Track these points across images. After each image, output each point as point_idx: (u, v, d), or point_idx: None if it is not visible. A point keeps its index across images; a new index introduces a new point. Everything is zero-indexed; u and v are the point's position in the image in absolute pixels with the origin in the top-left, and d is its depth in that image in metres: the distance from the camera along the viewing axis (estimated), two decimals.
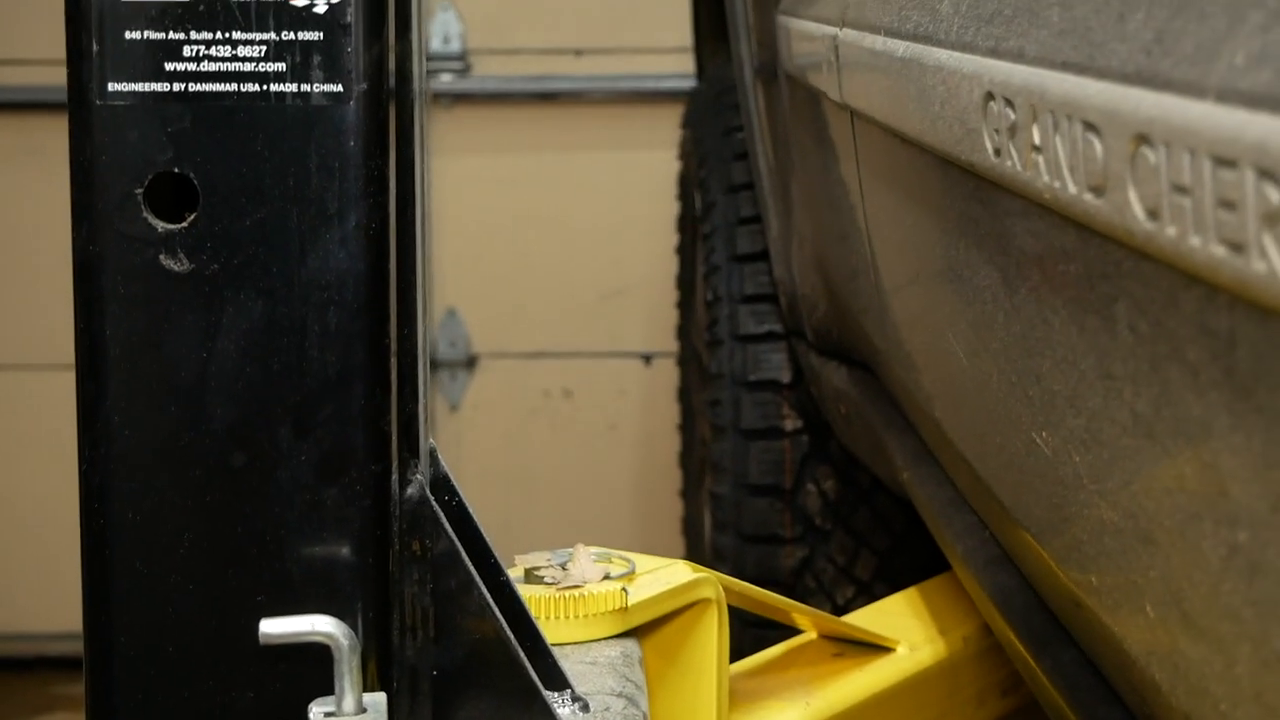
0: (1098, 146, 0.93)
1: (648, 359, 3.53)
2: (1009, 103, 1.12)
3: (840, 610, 2.45)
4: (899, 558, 2.39)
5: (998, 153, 1.14)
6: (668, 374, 3.47)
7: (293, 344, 1.13)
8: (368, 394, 1.15)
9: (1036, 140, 1.05)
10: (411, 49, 1.20)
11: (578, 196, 3.47)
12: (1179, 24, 0.86)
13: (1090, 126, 0.94)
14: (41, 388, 3.55)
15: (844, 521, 2.45)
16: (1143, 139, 0.86)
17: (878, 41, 1.58)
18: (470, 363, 3.70)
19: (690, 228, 2.97)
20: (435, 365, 3.66)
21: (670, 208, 3.20)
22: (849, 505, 2.46)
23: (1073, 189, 0.98)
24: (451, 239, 3.32)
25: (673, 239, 3.22)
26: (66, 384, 3.11)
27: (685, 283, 3.09)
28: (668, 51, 3.29)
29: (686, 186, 3.01)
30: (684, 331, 3.05)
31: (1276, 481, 0.80)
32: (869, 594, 2.45)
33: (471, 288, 3.58)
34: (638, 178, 3.39)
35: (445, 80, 3.64)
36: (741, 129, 2.67)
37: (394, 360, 1.18)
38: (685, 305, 3.06)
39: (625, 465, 3.61)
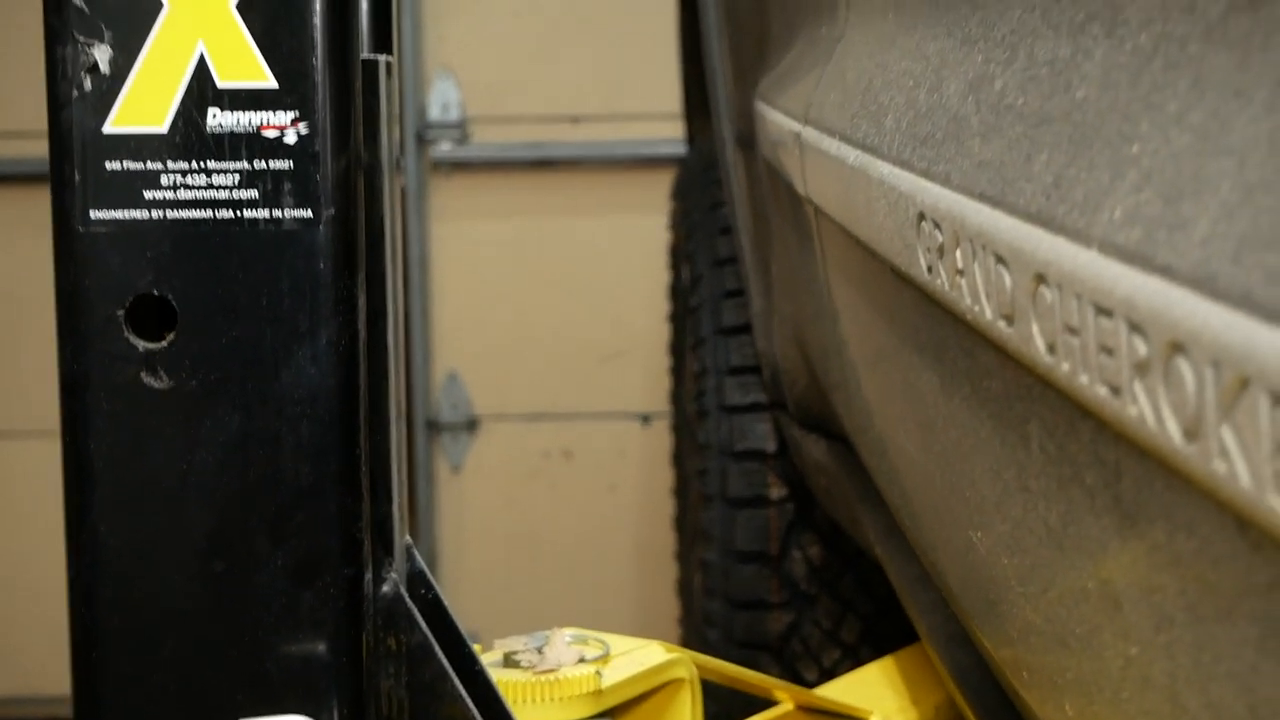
0: (1006, 279, 0.97)
1: (646, 419, 3.55)
2: (937, 225, 1.15)
3: (827, 674, 2.46)
4: (883, 622, 2.38)
5: (930, 270, 1.17)
6: (666, 434, 3.47)
7: (268, 455, 1.16)
8: (340, 501, 1.18)
9: (960, 264, 1.08)
10: (381, 162, 1.23)
11: (576, 260, 3.50)
12: (1073, 171, 0.89)
13: (1000, 259, 0.98)
14: (51, 455, 3.56)
15: (829, 587, 2.46)
16: (1041, 278, 0.90)
17: (833, 145, 1.57)
18: (471, 425, 3.71)
19: (680, 298, 3.00)
20: (438, 428, 3.69)
21: (660, 265, 3.24)
22: (834, 571, 2.47)
23: (989, 314, 1.01)
24: (452, 303, 3.35)
25: (667, 301, 3.25)
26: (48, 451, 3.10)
27: (677, 351, 3.04)
28: (663, 118, 3.29)
29: (676, 258, 3.05)
30: (677, 398, 3.06)
31: (1158, 605, 0.85)
32: (855, 657, 2.46)
33: (472, 351, 3.61)
34: (635, 241, 3.41)
35: (444, 148, 3.64)
36: (717, 213, 2.74)
37: (365, 467, 1.20)
38: (677, 373, 3.06)
39: (624, 526, 3.62)
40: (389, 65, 1.25)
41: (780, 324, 2.27)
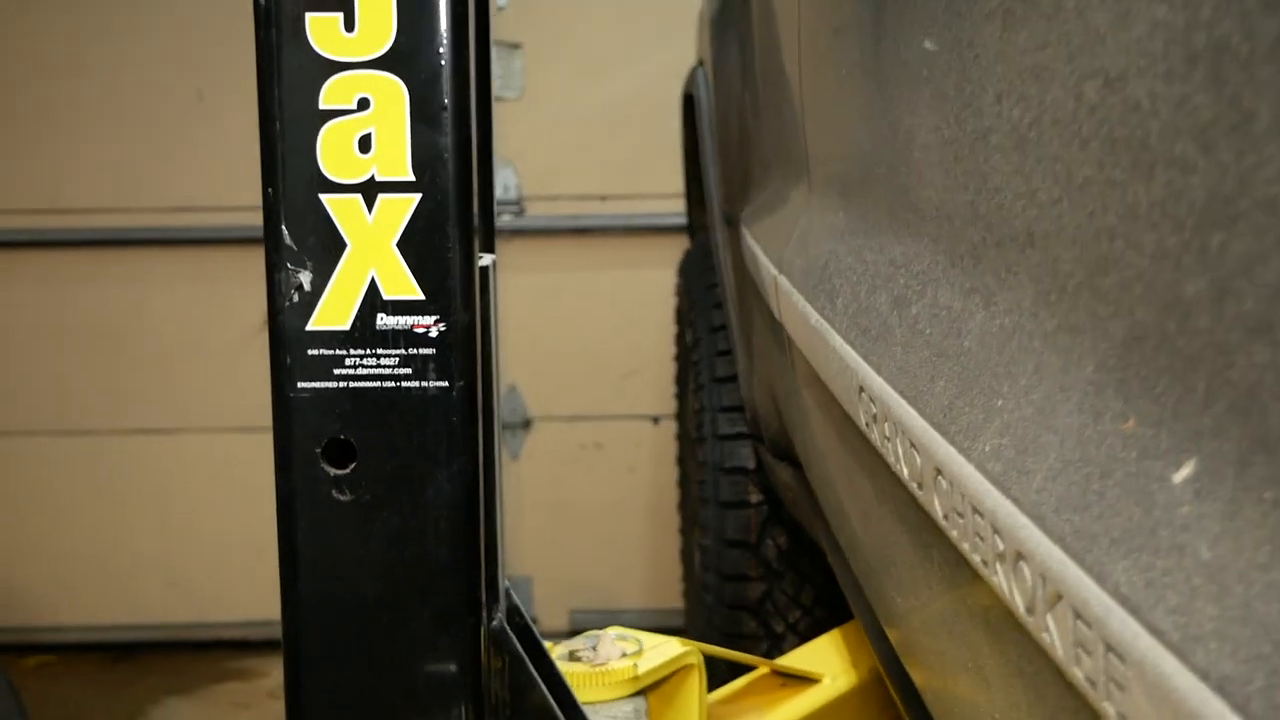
0: (917, 459, 1.03)
1: (656, 420, 3.60)
2: (872, 400, 1.19)
3: (790, 628, 2.51)
4: (832, 590, 2.34)
5: (867, 425, 1.22)
6: (670, 432, 3.48)
7: (418, 544, 1.22)
8: (466, 572, 1.23)
9: (887, 434, 1.14)
10: (491, 339, 1.27)
11: (604, 303, 3.54)
12: (960, 402, 0.95)
13: (914, 445, 1.04)
14: (209, 446, 3.65)
15: (792, 566, 2.47)
16: (939, 471, 0.96)
17: (800, 301, 1.59)
18: (526, 424, 3.70)
19: (685, 352, 2.95)
20: (501, 427, 3.75)
21: (670, 308, 3.22)
22: (796, 555, 2.47)
23: (906, 475, 1.08)
24: (512, 335, 3.38)
25: (672, 330, 3.22)
26: (223, 442, 3.15)
27: (681, 391, 3.07)
28: (669, 197, 3.32)
29: (681, 320, 3.00)
30: (682, 424, 3.03)
31: (982, 670, 0.96)
32: (811, 615, 2.49)
33: (527, 370, 3.60)
34: (647, 289, 3.45)
35: (505, 220, 3.62)
36: (715, 286, 2.69)
37: (482, 546, 1.25)
38: (682, 407, 3.08)
39: (640, 499, 3.66)
40: (494, 263, 1.28)
41: (759, 381, 2.29)
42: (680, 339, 3.01)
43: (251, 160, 3.30)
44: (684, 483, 3.06)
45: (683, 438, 3.08)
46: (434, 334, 1.18)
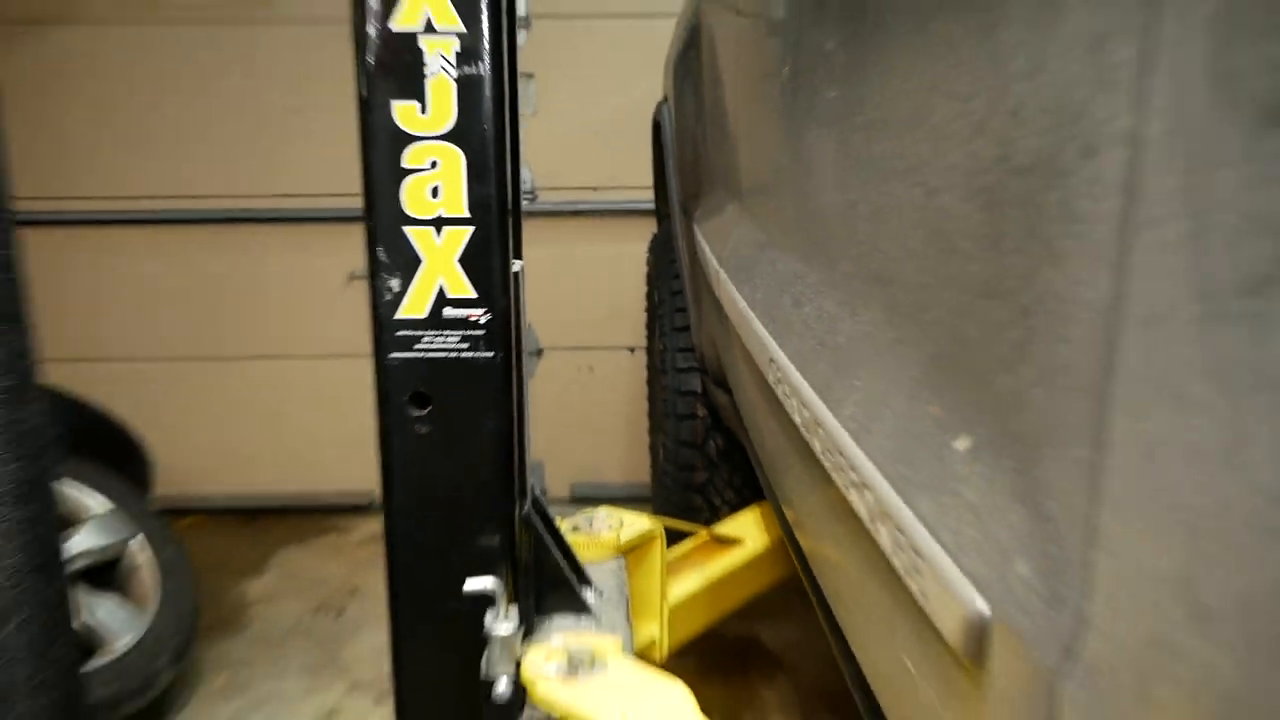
0: (807, 414, 1.05)
1: (632, 350, 3.55)
2: (777, 367, 1.20)
3: (727, 503, 2.47)
4: (752, 479, 2.41)
5: (775, 384, 1.23)
6: (642, 359, 3.47)
7: (473, 462, 1.25)
8: (506, 480, 1.27)
9: (787, 393, 1.15)
10: (522, 328, 1.33)
11: (595, 265, 3.46)
12: (834, 383, 0.99)
13: (804, 405, 1.06)
14: (321, 366, 3.72)
15: (727, 460, 2.44)
16: (819, 424, 0.99)
17: (734, 290, 1.56)
18: (539, 353, 3.72)
19: (652, 308, 2.88)
20: None
21: (642, 271, 3.21)
22: (729, 454, 2.44)
23: (799, 421, 1.09)
24: (530, 287, 3.35)
25: (643, 288, 3.18)
26: (319, 364, 3.05)
27: (650, 332, 2.95)
28: (645, 189, 3.23)
29: (650, 286, 2.91)
30: (650, 360, 2.95)
31: (836, 539, 1.03)
32: (739, 496, 2.45)
33: (540, 313, 3.61)
34: (628, 256, 3.39)
35: (523, 205, 3.56)
36: (675, 262, 2.62)
37: (516, 463, 1.29)
38: (650, 343, 2.97)
39: (620, 407, 3.61)
40: (522, 268, 1.32)
41: (704, 332, 2.28)
42: (649, 297, 2.93)
43: (333, 161, 3.33)
44: (651, 399, 2.99)
45: (650, 367, 2.97)
46: (482, 321, 1.21)
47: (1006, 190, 0.62)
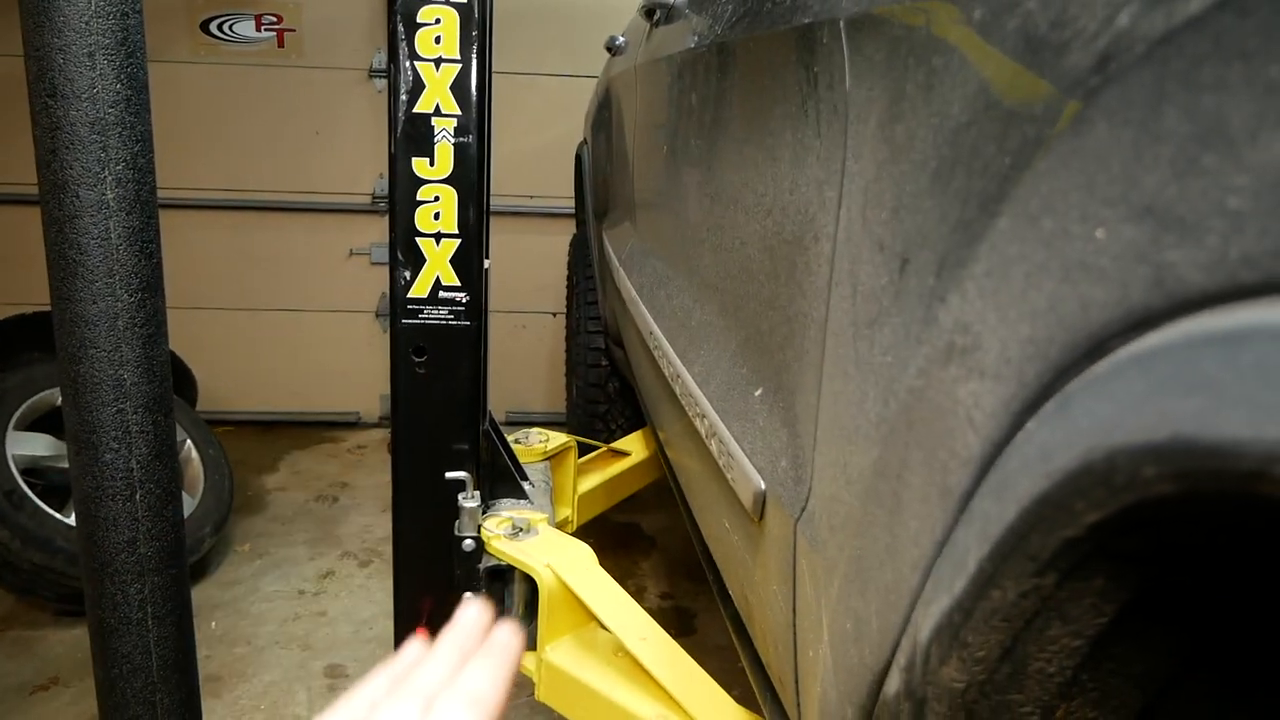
0: (673, 368, 1.13)
1: (554, 314, 3.51)
2: (655, 337, 1.28)
3: (620, 428, 2.44)
4: (639, 411, 2.29)
5: (653, 348, 1.29)
6: (561, 322, 3.41)
7: (454, 391, 1.29)
8: (473, 405, 1.33)
9: (660, 353, 1.22)
10: (487, 305, 1.35)
11: (529, 253, 3.41)
12: (689, 349, 1.06)
13: (669, 362, 1.14)
14: (328, 318, 3.74)
15: (621, 398, 2.42)
16: (677, 376, 1.08)
17: (628, 282, 1.59)
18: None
19: (570, 287, 2.84)
20: None
21: (565, 259, 3.16)
22: (623, 393, 2.41)
23: (669, 373, 1.17)
24: None
25: (565, 272, 3.12)
26: (327, 317, 3.04)
27: (569, 304, 2.88)
28: (569, 198, 3.22)
29: (570, 272, 2.87)
30: (569, 326, 2.88)
31: (689, 465, 1.18)
32: (630, 421, 2.42)
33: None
34: (554, 247, 3.33)
35: None
36: (589, 256, 2.60)
37: (481, 392, 1.34)
38: (568, 311, 2.90)
39: (544, 355, 3.57)
40: (489, 265, 1.35)
41: (607, 306, 2.26)
42: (569, 279, 2.90)
43: (341, 169, 3.35)
44: (568, 351, 2.91)
45: (568, 329, 2.90)
46: (463, 301, 1.32)
47: (778, 249, 0.77)
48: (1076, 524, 0.32)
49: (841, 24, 0.61)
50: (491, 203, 3.87)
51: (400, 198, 1.24)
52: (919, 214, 0.48)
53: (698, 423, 1.02)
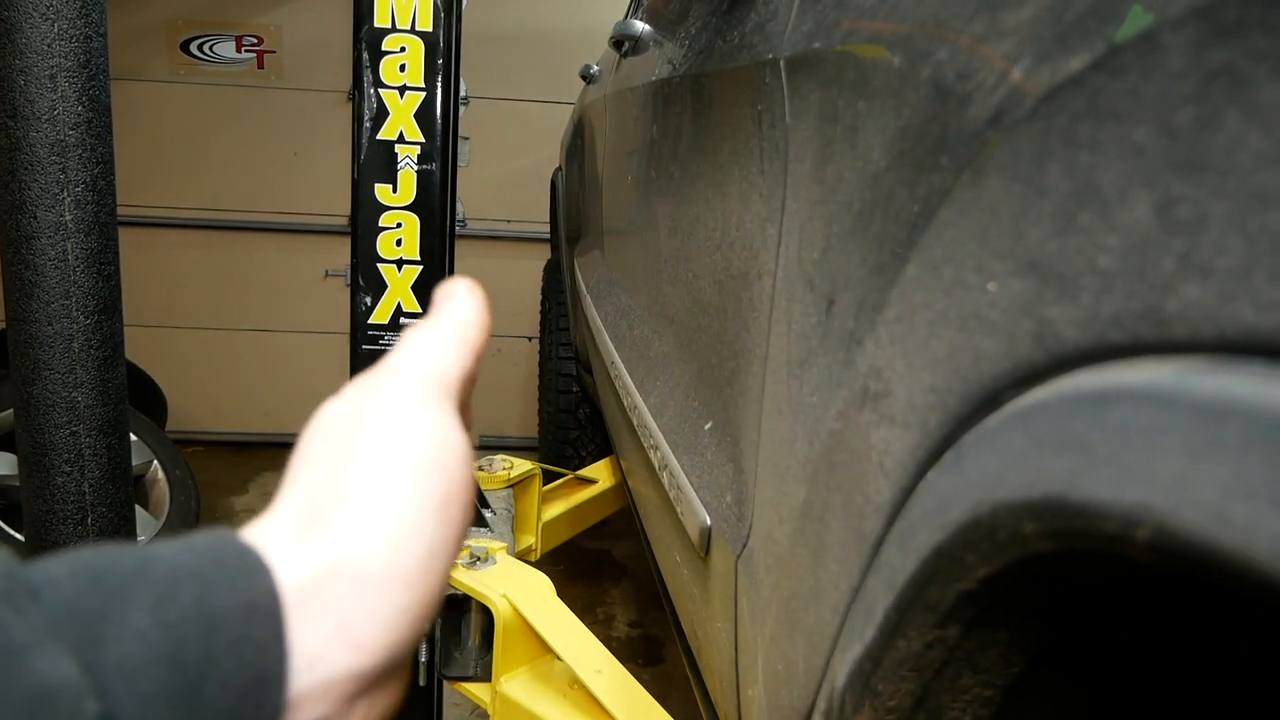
0: (630, 399, 1.14)
1: (530, 339, 3.51)
2: (616, 366, 1.28)
3: (589, 455, 2.44)
4: (606, 438, 2.13)
5: (614, 377, 1.29)
6: (535, 346, 3.38)
7: None
8: None
9: (620, 384, 1.23)
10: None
11: (506, 276, 3.43)
12: (646, 379, 1.08)
13: (629, 392, 1.15)
14: (301, 339, 3.77)
15: (591, 424, 2.44)
16: (634, 407, 1.13)
17: (594, 310, 1.60)
18: None
19: (544, 312, 2.85)
20: None
21: (539, 283, 3.15)
22: (592, 420, 2.43)
23: (628, 403, 1.17)
24: None
25: (539, 297, 3.11)
26: (299, 338, 3.09)
27: (542, 329, 2.91)
28: (544, 223, 3.18)
29: (543, 296, 2.90)
30: (542, 352, 2.89)
31: (646, 494, 1.18)
32: (600, 448, 2.42)
33: None
34: (529, 272, 3.32)
35: (456, 229, 3.58)
36: (562, 282, 2.59)
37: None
38: (541, 336, 2.92)
39: (520, 381, 3.58)
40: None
41: (577, 332, 2.27)
42: (542, 304, 2.93)
43: (317, 191, 3.35)
44: (541, 376, 2.93)
45: (541, 354, 2.94)
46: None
47: (727, 284, 0.79)
48: (969, 577, 0.32)
49: (782, 64, 0.62)
50: (468, 226, 3.86)
51: (362, 223, 1.24)
52: (844, 255, 0.48)
53: (651, 454, 1.02)
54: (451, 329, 0.34)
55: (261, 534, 0.28)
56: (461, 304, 0.36)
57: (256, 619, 0.25)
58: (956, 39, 0.38)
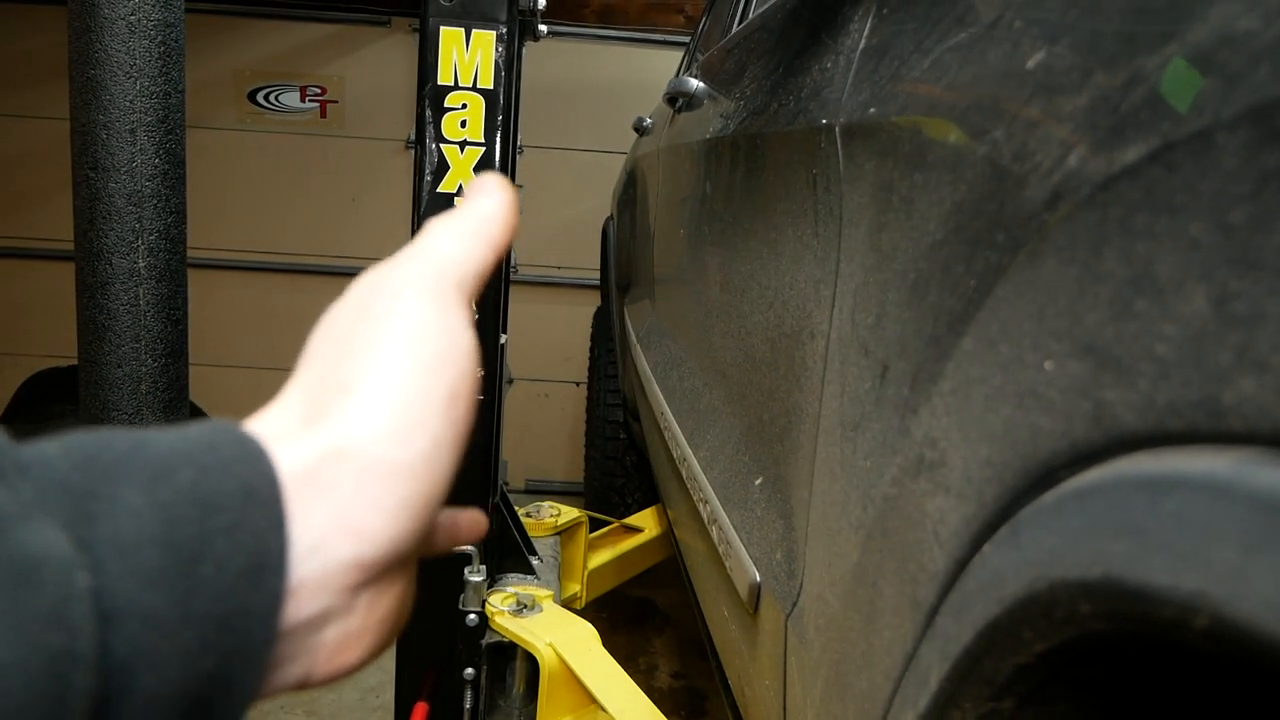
0: (681, 451, 1.14)
1: (578, 384, 3.49)
2: (666, 416, 1.29)
3: (636, 502, 2.44)
4: (654, 486, 2.01)
5: (663, 427, 1.30)
6: (584, 392, 3.31)
7: (459, 471, 1.40)
8: (484, 476, 1.34)
9: (670, 434, 1.23)
10: (503, 377, 1.42)
11: (556, 321, 3.44)
12: (696, 430, 1.09)
13: (679, 443, 1.15)
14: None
15: (638, 472, 2.43)
16: (685, 460, 1.14)
17: (643, 359, 1.60)
18: (510, 381, 3.69)
19: (593, 359, 2.84)
20: None
21: (588, 330, 3.14)
22: (639, 467, 2.41)
23: (678, 457, 1.17)
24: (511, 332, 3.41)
25: (588, 343, 3.10)
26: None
27: (590, 375, 2.88)
28: (594, 269, 3.20)
29: (592, 343, 2.89)
30: (590, 398, 2.88)
31: (693, 531, 1.18)
32: (647, 496, 2.40)
33: (513, 354, 3.64)
34: (580, 317, 3.31)
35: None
36: (611, 329, 2.60)
37: (491, 470, 1.38)
38: (590, 383, 2.90)
39: (567, 426, 3.56)
40: (506, 340, 1.46)
41: (626, 380, 2.28)
42: (591, 350, 2.91)
43: (378, 235, 3.43)
44: (588, 423, 2.92)
45: (589, 400, 2.94)
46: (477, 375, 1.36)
47: (779, 341, 0.79)
48: (1027, 651, 0.32)
49: (837, 130, 0.63)
50: (520, 272, 3.86)
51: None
52: (900, 323, 0.49)
53: (700, 507, 1.02)
54: (474, 223, 0.33)
55: (263, 422, 0.28)
56: (488, 199, 0.34)
57: (254, 503, 0.24)
58: (1013, 119, 0.39)
